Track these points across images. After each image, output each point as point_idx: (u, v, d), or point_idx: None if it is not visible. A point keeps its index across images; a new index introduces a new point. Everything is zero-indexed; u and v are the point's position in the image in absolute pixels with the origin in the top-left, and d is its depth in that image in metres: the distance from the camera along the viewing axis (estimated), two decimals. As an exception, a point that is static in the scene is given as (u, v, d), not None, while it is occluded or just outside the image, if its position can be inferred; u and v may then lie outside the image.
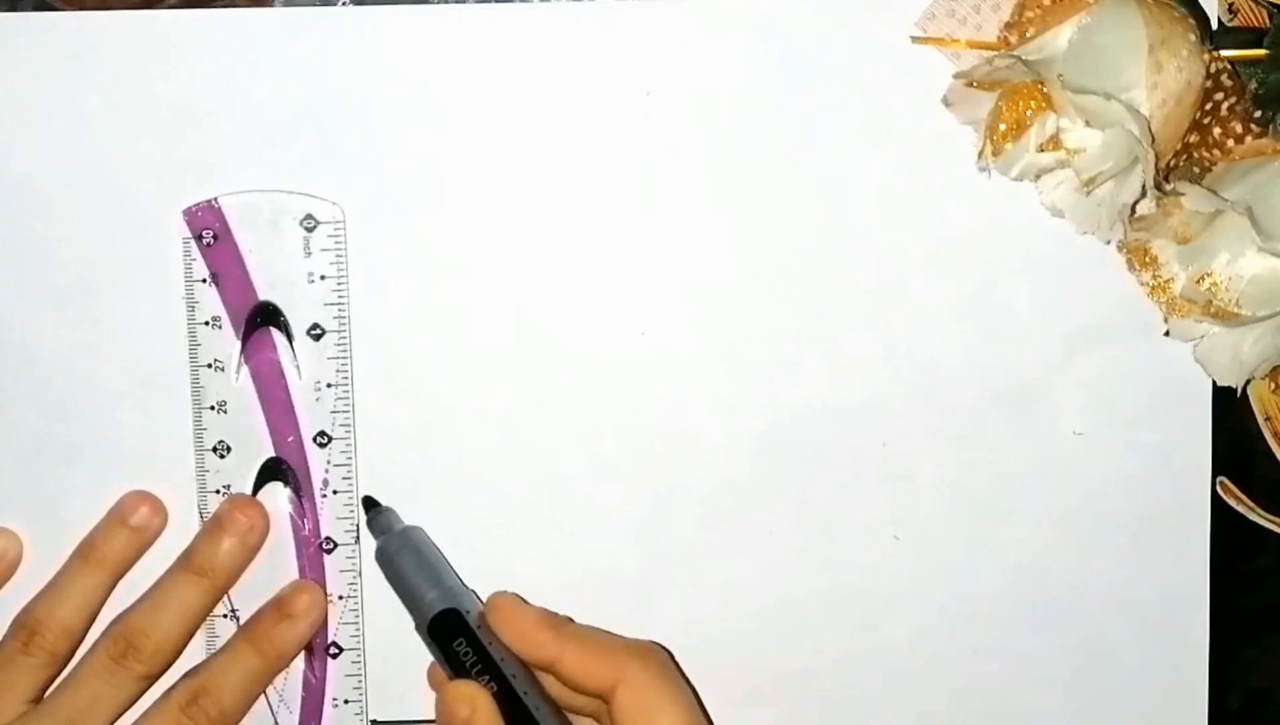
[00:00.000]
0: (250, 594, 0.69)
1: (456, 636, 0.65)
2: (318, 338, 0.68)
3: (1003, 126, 0.65)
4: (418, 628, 0.66)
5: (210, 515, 0.68)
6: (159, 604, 0.67)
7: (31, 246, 0.68)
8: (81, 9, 0.67)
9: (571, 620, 0.67)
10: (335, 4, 0.67)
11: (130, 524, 0.68)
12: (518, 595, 0.67)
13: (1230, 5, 0.67)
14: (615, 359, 0.69)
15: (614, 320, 0.69)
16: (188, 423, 0.69)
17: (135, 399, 0.68)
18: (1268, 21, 0.67)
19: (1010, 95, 0.64)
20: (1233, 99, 0.66)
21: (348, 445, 0.69)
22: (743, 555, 0.69)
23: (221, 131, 0.67)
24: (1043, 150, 0.65)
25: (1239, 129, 0.66)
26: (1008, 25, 0.66)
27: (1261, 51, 0.66)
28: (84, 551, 0.68)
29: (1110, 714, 0.70)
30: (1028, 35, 0.65)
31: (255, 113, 0.67)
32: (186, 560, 0.68)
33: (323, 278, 0.68)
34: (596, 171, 0.68)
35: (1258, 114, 0.66)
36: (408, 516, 0.69)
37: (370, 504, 0.69)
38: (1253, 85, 0.66)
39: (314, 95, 0.67)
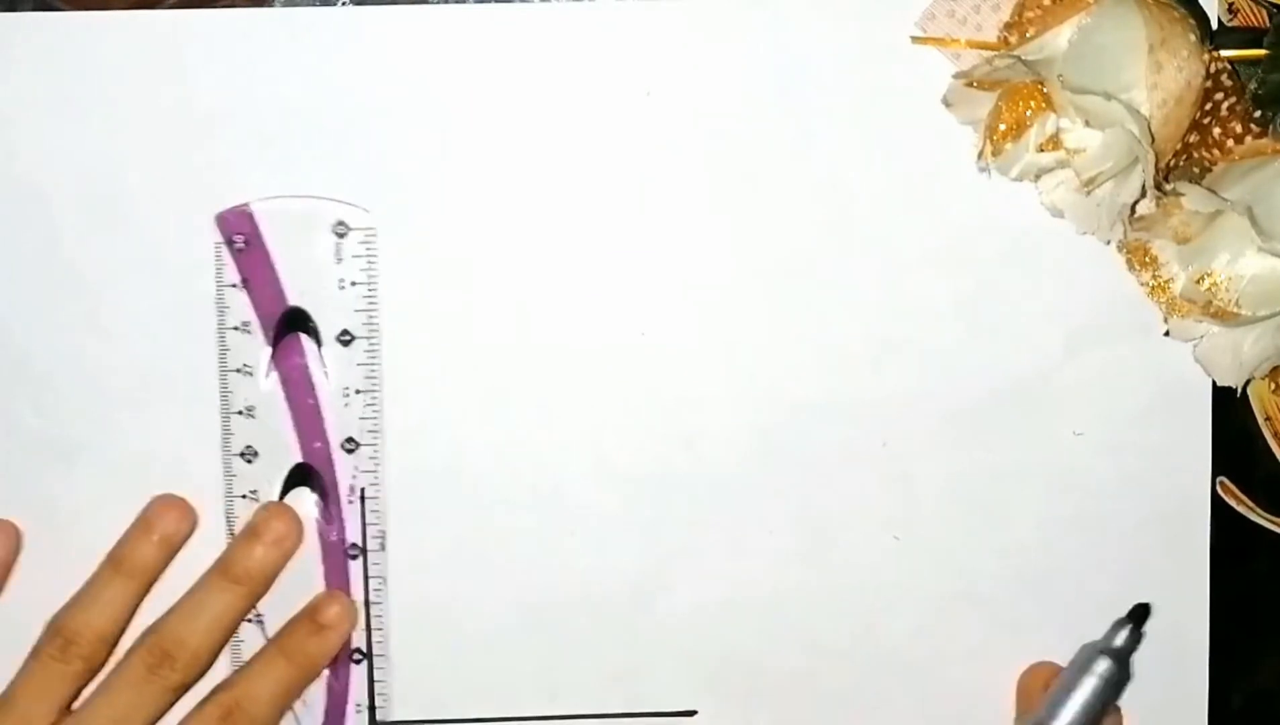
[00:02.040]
0: (274, 599, 0.68)
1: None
2: (347, 344, 0.68)
3: (1003, 127, 0.65)
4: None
5: (244, 522, 0.68)
6: (194, 612, 0.67)
7: (44, 249, 0.67)
8: (81, 9, 0.67)
9: None
10: (335, 4, 0.67)
11: (160, 529, 0.68)
12: None
13: (1230, 5, 0.67)
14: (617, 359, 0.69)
15: (614, 320, 0.69)
16: (215, 427, 0.69)
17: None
18: (1267, 21, 0.67)
19: (1010, 95, 0.64)
20: (1233, 99, 0.66)
21: (376, 452, 0.69)
22: (742, 555, 0.69)
23: (224, 134, 0.67)
24: (1043, 150, 0.65)
25: (1239, 129, 0.66)
26: (1007, 25, 0.66)
27: (1261, 51, 0.66)
28: (115, 558, 0.67)
29: (1110, 714, 0.71)
30: (1028, 35, 0.64)
31: (255, 114, 0.67)
32: (222, 568, 0.67)
33: (353, 284, 0.68)
34: (597, 172, 0.68)
35: (1257, 114, 0.66)
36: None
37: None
38: (1252, 85, 0.66)
39: (314, 97, 0.67)
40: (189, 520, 0.68)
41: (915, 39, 0.67)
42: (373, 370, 0.68)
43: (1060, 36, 0.63)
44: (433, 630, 0.70)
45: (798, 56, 0.67)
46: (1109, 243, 0.67)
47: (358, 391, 0.68)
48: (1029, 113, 0.65)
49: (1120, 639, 0.68)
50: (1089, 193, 0.64)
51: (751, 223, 0.68)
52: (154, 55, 0.67)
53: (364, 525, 0.69)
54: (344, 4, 0.67)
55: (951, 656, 0.70)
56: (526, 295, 0.68)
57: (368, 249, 0.68)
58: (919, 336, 0.69)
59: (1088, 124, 0.63)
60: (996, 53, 0.65)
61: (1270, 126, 0.66)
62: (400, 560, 0.69)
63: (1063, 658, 0.69)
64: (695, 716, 0.70)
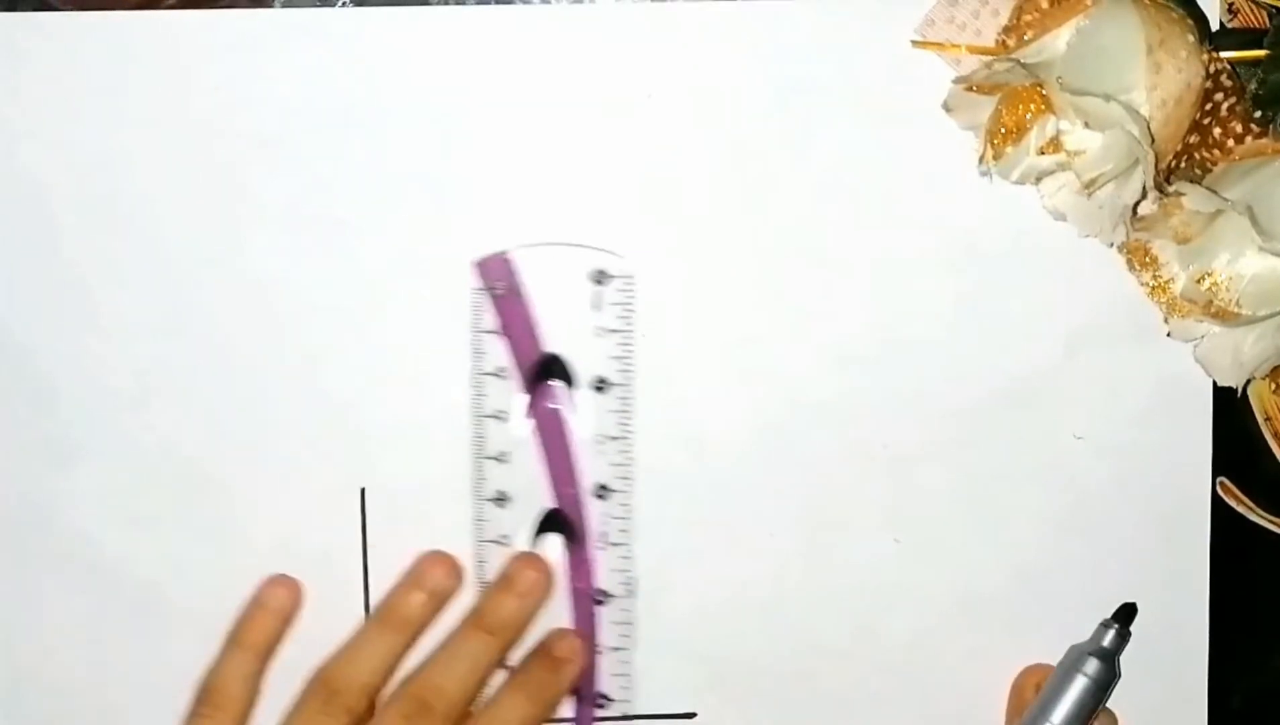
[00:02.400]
0: (522, 645, 0.69)
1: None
2: (602, 390, 0.68)
3: (1003, 130, 0.65)
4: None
5: (493, 567, 0.69)
6: (450, 662, 0.67)
7: (44, 249, 0.68)
8: (81, 9, 0.67)
9: None
10: (335, 5, 0.67)
11: (430, 585, 0.68)
12: None
13: (1230, 6, 0.67)
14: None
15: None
16: (466, 472, 0.69)
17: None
18: (1267, 22, 0.67)
19: (1010, 99, 0.64)
20: (1232, 99, 0.66)
21: (627, 499, 0.69)
22: (743, 556, 0.69)
23: (224, 134, 0.67)
24: (1043, 153, 0.65)
25: (1239, 129, 0.66)
26: (1006, 29, 0.66)
27: (1261, 52, 0.66)
28: (383, 613, 0.68)
29: (1110, 715, 0.71)
30: (1026, 38, 0.65)
31: (254, 115, 0.67)
32: (476, 618, 0.68)
33: (610, 331, 0.68)
34: (597, 174, 0.68)
35: (1258, 114, 0.66)
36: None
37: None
38: (1252, 86, 0.66)
39: (312, 98, 0.67)
40: (457, 577, 0.69)
41: (915, 43, 0.66)
42: (626, 417, 0.69)
43: (1059, 39, 0.63)
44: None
45: (799, 61, 0.67)
46: (1111, 245, 0.66)
47: (611, 438, 0.69)
48: (1029, 116, 0.64)
49: (1108, 639, 0.68)
50: (1090, 195, 0.64)
51: (752, 224, 0.68)
52: (154, 55, 0.67)
53: (613, 572, 0.70)
54: (344, 4, 0.67)
55: (951, 657, 0.70)
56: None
57: (626, 297, 0.68)
58: (920, 337, 0.69)
59: (1088, 126, 0.63)
60: (995, 56, 0.65)
61: (1270, 126, 0.66)
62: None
63: (1062, 656, 0.69)
64: (695, 718, 0.70)
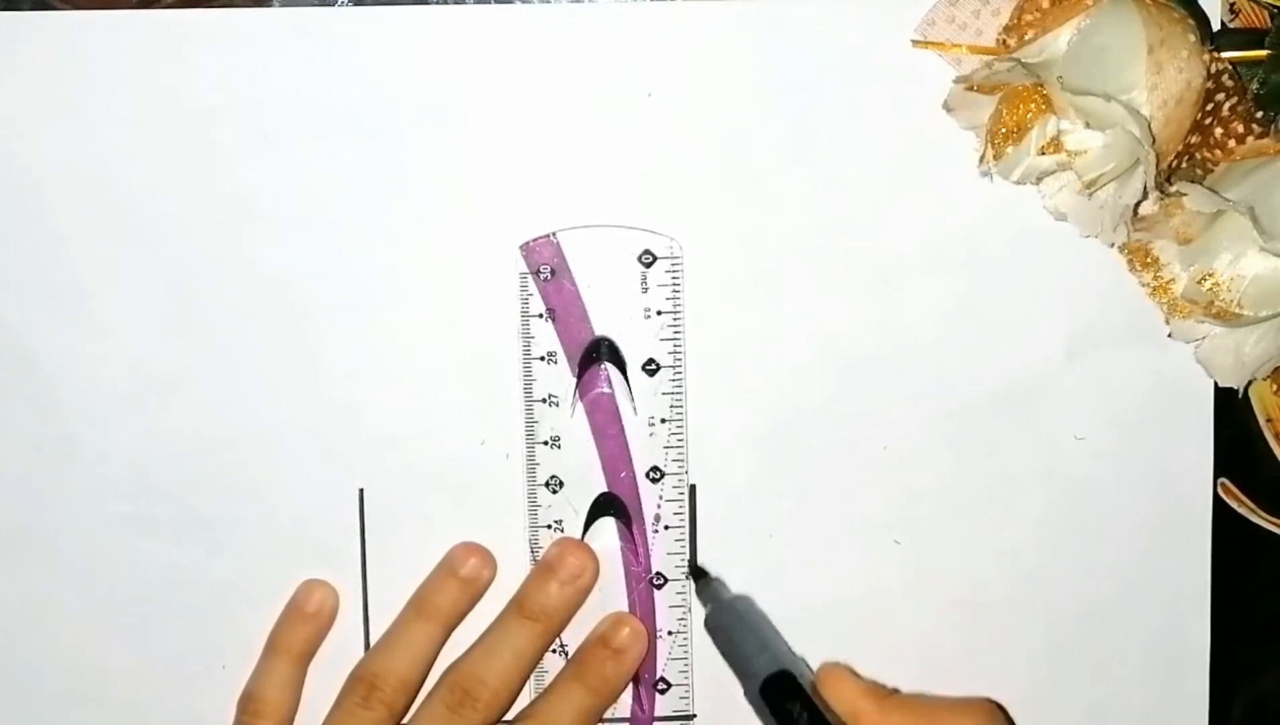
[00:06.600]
0: (580, 630, 0.69)
1: (791, 700, 0.65)
2: (652, 373, 0.68)
3: (1004, 130, 0.65)
4: (747, 693, 0.66)
5: (541, 558, 0.69)
6: (493, 650, 0.67)
7: (43, 249, 0.68)
8: (80, 9, 0.67)
9: (898, 692, 0.67)
10: (334, 4, 0.67)
11: (460, 576, 0.68)
12: (849, 666, 0.68)
13: (1232, 5, 0.67)
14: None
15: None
16: (520, 458, 0.69)
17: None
18: (1269, 22, 0.67)
19: (1011, 99, 0.64)
20: (1234, 99, 0.66)
21: (680, 481, 0.69)
22: (742, 557, 0.69)
23: (223, 133, 0.67)
24: (1044, 153, 0.64)
25: (1240, 129, 0.66)
26: (1006, 28, 0.66)
27: (1263, 52, 0.66)
28: (416, 604, 0.68)
29: (1111, 718, 0.70)
30: (1026, 38, 0.64)
31: (253, 114, 0.67)
32: (518, 605, 0.68)
33: (659, 313, 0.68)
34: (597, 174, 0.68)
35: (1259, 114, 0.66)
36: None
37: (699, 574, 0.69)
38: (1254, 86, 0.66)
39: (312, 97, 0.67)
40: (490, 566, 0.69)
41: (916, 43, 0.66)
42: (677, 399, 0.69)
43: (1059, 39, 0.63)
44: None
45: (799, 60, 0.67)
46: (1112, 245, 0.66)
47: (663, 420, 0.69)
48: (1030, 116, 0.64)
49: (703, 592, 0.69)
50: (1091, 195, 0.64)
51: (753, 225, 0.68)
52: (153, 55, 0.67)
53: (668, 554, 0.70)
54: (343, 4, 0.67)
55: (952, 658, 0.70)
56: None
57: (674, 278, 0.68)
58: (920, 339, 0.69)
59: (1089, 126, 0.63)
60: (996, 56, 0.65)
61: (1272, 127, 0.66)
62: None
63: (1064, 661, 0.69)
64: (694, 720, 0.70)
